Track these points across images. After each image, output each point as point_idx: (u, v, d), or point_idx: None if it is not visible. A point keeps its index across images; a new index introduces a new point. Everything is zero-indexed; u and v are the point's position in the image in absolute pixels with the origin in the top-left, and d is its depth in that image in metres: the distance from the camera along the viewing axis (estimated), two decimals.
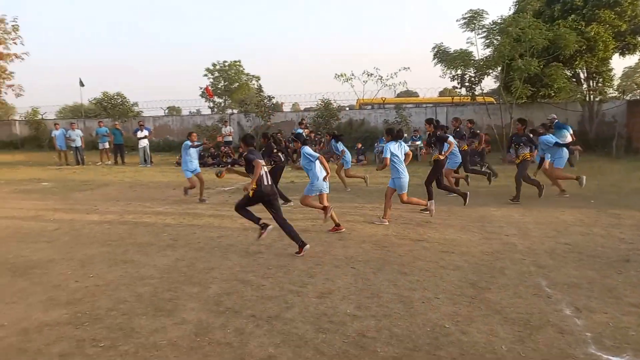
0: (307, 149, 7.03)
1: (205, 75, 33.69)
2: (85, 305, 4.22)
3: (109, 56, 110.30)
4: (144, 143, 17.84)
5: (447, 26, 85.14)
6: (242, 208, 5.92)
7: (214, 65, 33.29)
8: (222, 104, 31.98)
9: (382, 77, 22.60)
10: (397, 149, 7.18)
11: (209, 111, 29.95)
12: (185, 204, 9.46)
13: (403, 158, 7.22)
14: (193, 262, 5.50)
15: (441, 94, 29.86)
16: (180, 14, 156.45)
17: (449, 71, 19.51)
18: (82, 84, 23.29)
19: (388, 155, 7.09)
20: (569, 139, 12.63)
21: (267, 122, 22.67)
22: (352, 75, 22.98)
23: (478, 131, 11.00)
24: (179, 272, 5.16)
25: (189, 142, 9.68)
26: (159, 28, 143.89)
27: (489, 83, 38.16)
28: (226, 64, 33.00)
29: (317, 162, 6.83)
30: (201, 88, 33.10)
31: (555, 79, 16.80)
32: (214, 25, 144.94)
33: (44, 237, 6.82)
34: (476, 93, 20.15)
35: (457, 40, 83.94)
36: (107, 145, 18.44)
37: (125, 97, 24.69)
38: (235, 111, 26.69)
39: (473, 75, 19.52)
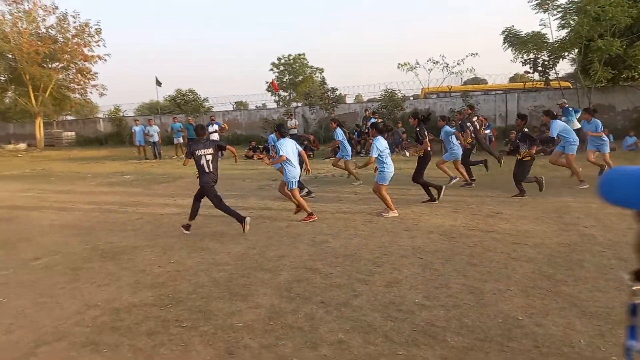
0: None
1: (271, 69, 34.65)
2: (168, 289, 4.55)
3: (182, 55, 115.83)
4: (215, 137, 18.64)
5: (518, 8, 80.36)
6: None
7: (279, 59, 34.10)
8: (287, 97, 32.66)
9: (448, 64, 21.95)
10: (384, 144, 7.23)
11: (274, 105, 30.65)
12: (254, 195, 9.81)
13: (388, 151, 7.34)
14: (264, 250, 5.74)
15: (511, 80, 28.47)
16: (244, 13, 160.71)
17: (520, 55, 18.60)
18: (158, 83, 24.70)
19: (375, 155, 7.15)
20: (577, 125, 12.28)
21: (330, 114, 22.85)
22: (417, 63, 22.52)
23: (469, 124, 10.55)
24: (251, 259, 5.41)
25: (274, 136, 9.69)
26: (223, 26, 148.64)
27: (565, 66, 35.88)
28: (291, 57, 33.68)
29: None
30: (267, 82, 34.10)
31: (639, 60, 15.49)
32: (278, 19, 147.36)
33: (129, 226, 7.40)
34: (550, 78, 19.04)
35: (529, 22, 79.20)
36: (181, 140, 19.45)
37: (196, 94, 25.90)
38: (299, 104, 27.11)
39: (547, 58, 18.46)
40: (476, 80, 31.14)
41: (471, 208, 7.67)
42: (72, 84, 29.76)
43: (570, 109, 13.02)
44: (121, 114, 30.97)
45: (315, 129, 24.04)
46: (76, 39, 27.68)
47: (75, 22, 27.71)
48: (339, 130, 10.60)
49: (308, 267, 5.04)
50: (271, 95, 32.31)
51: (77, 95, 30.54)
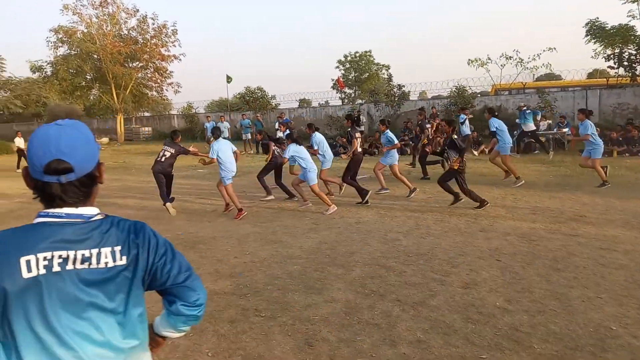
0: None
1: (337, 67, 34.76)
2: (245, 279, 4.72)
3: (251, 55, 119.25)
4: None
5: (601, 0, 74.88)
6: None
7: (345, 56, 34.12)
8: (353, 95, 32.64)
9: (522, 59, 20.92)
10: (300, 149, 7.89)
11: (338, 102, 30.74)
12: (324, 192, 9.90)
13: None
14: (335, 246, 5.78)
15: (590, 75, 26.60)
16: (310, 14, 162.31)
17: (602, 50, 17.35)
18: (229, 80, 25.55)
19: (287, 156, 8.00)
20: (531, 126, 13.17)
21: (396, 112, 22.55)
22: (489, 59, 21.67)
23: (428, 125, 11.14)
24: (323, 254, 5.47)
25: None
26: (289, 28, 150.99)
27: None
28: (357, 54, 33.60)
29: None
30: (333, 80, 34.25)
31: None
32: (344, 18, 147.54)
33: (206, 217, 7.74)
34: (637, 73, 17.60)
35: (613, 14, 73.34)
36: (249, 136, 20.03)
37: (264, 91, 26.52)
38: (361, 101, 26.99)
39: (634, 52, 17.07)
40: (550, 77, 29.44)
41: (550, 210, 7.27)
42: (149, 82, 31.56)
43: (528, 111, 13.40)
44: (193, 110, 32.42)
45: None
46: (154, 39, 29.30)
47: (154, 24, 29.36)
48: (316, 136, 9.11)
49: (381, 264, 5.01)
50: (336, 93, 32.41)
51: (154, 93, 32.35)
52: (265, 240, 6.14)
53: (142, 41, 29.24)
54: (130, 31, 29.75)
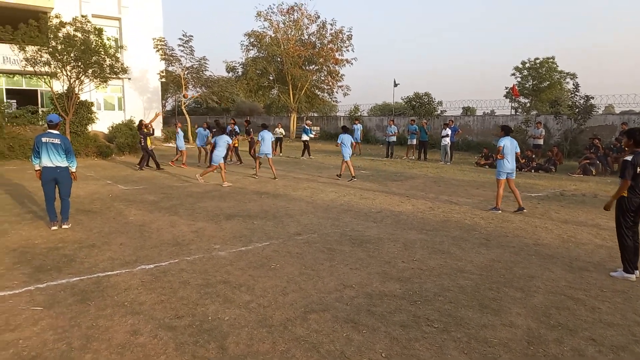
0: None
1: (513, 74, 32.36)
2: (414, 285, 4.64)
3: (419, 60, 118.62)
4: (445, 141, 18.42)
5: None
6: None
7: (523, 63, 31.57)
8: (528, 104, 30.02)
9: None
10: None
11: (504, 111, 28.51)
12: (492, 205, 9.29)
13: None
14: (510, 266, 5.34)
15: None
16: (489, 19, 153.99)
17: None
18: (396, 85, 25.78)
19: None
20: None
21: (580, 126, 19.99)
22: None
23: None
24: (497, 272, 5.10)
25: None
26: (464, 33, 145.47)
27: None
28: (537, 61, 30.80)
29: None
30: (506, 88, 31.95)
31: None
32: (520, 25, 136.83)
33: (371, 218, 7.87)
34: None
35: None
36: (414, 141, 19.85)
37: (431, 97, 26.00)
38: (535, 112, 24.54)
39: None
40: None
41: None
42: (322, 85, 33.52)
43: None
44: (358, 113, 33.45)
45: (559, 141, 21.41)
46: (330, 44, 31.01)
47: (331, 29, 31.09)
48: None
49: (568, 295, 4.46)
50: (509, 102, 30.18)
51: (325, 95, 34.26)
52: (432, 249, 5.97)
53: (319, 45, 31.21)
54: (310, 36, 31.98)
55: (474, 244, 6.28)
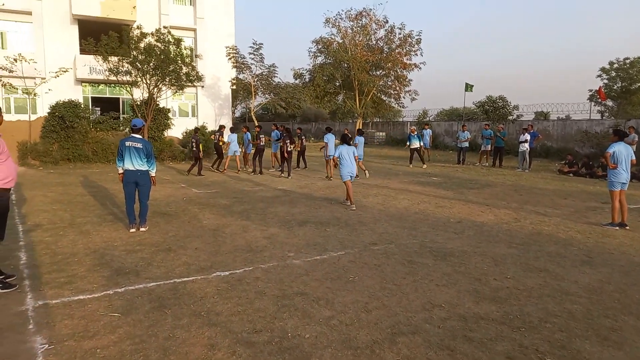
0: None
1: (599, 75, 29.99)
2: (513, 308, 4.11)
3: (494, 63, 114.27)
4: (524, 147, 17.26)
5: None
6: None
7: (610, 63, 29.19)
8: (615, 108, 27.67)
9: None
10: None
11: (580, 116, 26.22)
12: (586, 217, 8.39)
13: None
14: (624, 289, 4.64)
15: None
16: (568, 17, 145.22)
17: None
18: (468, 89, 24.63)
19: None
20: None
21: None
22: None
23: None
24: (609, 296, 4.43)
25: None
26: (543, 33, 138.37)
27: None
28: (627, 61, 28.32)
29: None
30: (590, 91, 29.60)
31: None
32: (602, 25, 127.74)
33: (450, 228, 7.32)
34: None
35: None
36: (488, 147, 18.80)
37: (506, 101, 24.59)
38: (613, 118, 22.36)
39: None
40: None
41: None
42: (389, 90, 32.89)
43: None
44: (427, 118, 32.44)
45: None
46: (398, 49, 30.34)
47: (400, 34, 30.42)
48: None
49: None
50: (594, 105, 27.90)
51: (392, 100, 33.61)
52: (527, 266, 5.36)
53: (387, 50, 30.66)
54: (378, 41, 31.51)
55: (575, 262, 5.58)
